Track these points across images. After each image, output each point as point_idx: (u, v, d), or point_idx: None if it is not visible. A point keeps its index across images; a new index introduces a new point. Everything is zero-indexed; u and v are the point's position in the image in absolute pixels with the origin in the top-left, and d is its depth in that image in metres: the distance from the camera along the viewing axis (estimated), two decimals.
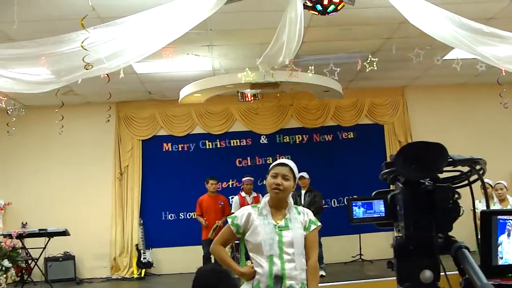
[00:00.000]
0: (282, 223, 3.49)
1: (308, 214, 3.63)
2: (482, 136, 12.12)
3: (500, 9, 7.66)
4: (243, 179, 10.52)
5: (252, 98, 10.06)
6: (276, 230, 3.44)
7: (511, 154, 11.95)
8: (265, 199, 3.61)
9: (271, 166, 3.63)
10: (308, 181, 10.35)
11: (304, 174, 10.26)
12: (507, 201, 8.34)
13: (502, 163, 11.01)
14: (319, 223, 3.63)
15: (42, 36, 5.63)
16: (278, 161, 3.68)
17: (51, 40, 5.53)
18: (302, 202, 10.08)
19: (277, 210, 3.53)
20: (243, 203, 10.21)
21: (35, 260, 10.13)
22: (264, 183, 3.73)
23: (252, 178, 10.49)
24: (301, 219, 3.56)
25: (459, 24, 6.00)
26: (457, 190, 1.58)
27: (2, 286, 8.48)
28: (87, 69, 5.46)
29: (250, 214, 3.55)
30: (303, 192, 10.32)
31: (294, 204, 3.66)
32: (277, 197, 3.51)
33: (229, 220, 3.61)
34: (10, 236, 9.68)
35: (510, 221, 1.54)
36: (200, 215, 10.55)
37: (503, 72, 6.91)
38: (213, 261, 9.95)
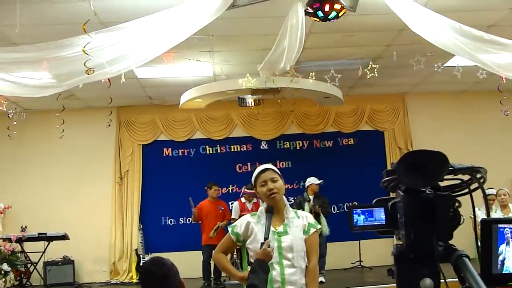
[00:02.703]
0: (280, 228, 3.50)
1: (307, 218, 3.64)
2: (483, 143, 12.13)
3: (500, 17, 7.68)
4: (246, 190, 10.43)
5: (253, 103, 10.07)
6: (275, 237, 3.45)
7: (511, 161, 11.95)
8: (261, 208, 3.65)
9: (253, 177, 3.63)
10: (317, 187, 10.40)
11: (317, 180, 10.33)
12: (509, 208, 8.35)
13: (502, 170, 11.02)
14: (318, 226, 3.65)
15: (44, 40, 5.65)
16: (258, 169, 3.65)
17: (53, 44, 5.54)
18: (313, 204, 10.05)
19: (274, 215, 3.53)
20: (243, 209, 10.21)
21: (34, 264, 10.14)
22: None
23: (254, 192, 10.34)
24: (300, 223, 3.58)
25: (460, 31, 6.02)
26: (458, 198, 1.59)
27: None
28: (88, 74, 5.48)
29: (249, 222, 3.59)
30: (311, 197, 10.32)
31: (300, 209, 3.69)
32: (275, 201, 3.52)
33: (229, 229, 3.68)
34: (9, 240, 9.70)
35: (508, 229, 1.54)
36: (198, 221, 10.53)
37: (503, 79, 6.92)
38: (212, 266, 9.97)
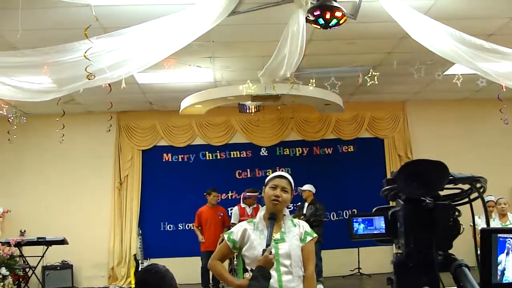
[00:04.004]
0: (277, 236, 3.50)
1: (304, 226, 3.65)
2: (482, 152, 12.13)
3: (501, 26, 7.70)
4: (248, 194, 10.39)
5: (253, 110, 10.08)
6: (272, 244, 3.44)
7: (511, 170, 11.95)
8: (260, 213, 3.65)
9: (269, 178, 3.66)
10: (311, 193, 10.42)
11: (308, 186, 10.36)
12: (507, 217, 8.34)
13: (502, 178, 11.01)
14: (314, 235, 3.66)
15: (45, 45, 5.65)
16: (277, 173, 3.70)
17: (54, 49, 5.55)
18: (304, 212, 10.11)
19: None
20: (242, 214, 10.19)
21: (33, 269, 10.10)
22: (262, 195, 3.74)
23: (257, 194, 10.24)
24: (296, 231, 3.59)
25: (460, 40, 6.03)
26: (458, 207, 1.59)
27: None
28: (89, 79, 5.48)
29: (245, 229, 3.59)
30: (306, 204, 10.36)
31: (295, 216, 3.70)
32: (275, 208, 3.52)
33: (225, 236, 3.68)
34: (8, 244, 9.66)
35: (510, 239, 1.54)
36: (198, 227, 10.53)
37: (503, 88, 6.93)
38: (211, 273, 9.95)
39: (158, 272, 2.89)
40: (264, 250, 3.22)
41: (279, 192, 3.52)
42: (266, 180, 3.66)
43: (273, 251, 3.33)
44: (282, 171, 11.99)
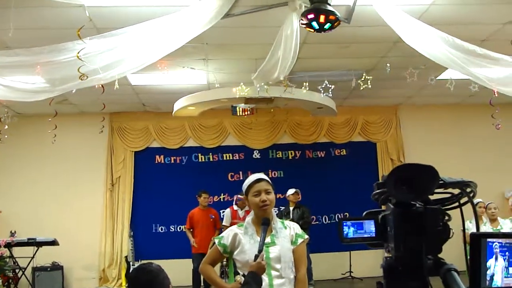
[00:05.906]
0: (268, 239, 3.47)
1: (295, 228, 3.62)
2: (474, 156, 12.19)
3: (493, 32, 7.73)
4: (240, 196, 10.36)
5: (246, 112, 10.07)
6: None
7: (503, 175, 11.99)
8: (248, 219, 3.62)
9: (247, 185, 3.55)
10: (297, 197, 10.40)
11: (296, 190, 10.34)
12: (498, 221, 8.38)
13: (493, 183, 11.06)
14: (306, 236, 3.63)
15: (38, 44, 5.63)
16: (253, 177, 3.57)
17: (47, 49, 5.52)
18: (291, 217, 10.10)
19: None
20: (234, 216, 10.17)
21: (23, 270, 10.05)
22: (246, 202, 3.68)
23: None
24: (287, 233, 3.56)
25: (453, 45, 6.05)
26: (448, 212, 1.59)
27: None
28: (82, 79, 5.47)
29: (236, 234, 3.56)
30: (291, 208, 10.35)
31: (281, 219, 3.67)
32: (265, 213, 3.50)
33: (216, 241, 3.66)
34: None
35: (496, 244, 1.54)
36: (189, 229, 10.51)
37: (495, 93, 6.95)
38: (202, 276, 9.91)
39: (151, 271, 2.88)
40: (256, 256, 3.20)
41: (265, 196, 3.49)
42: (245, 188, 3.56)
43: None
44: (275, 174, 12.08)
